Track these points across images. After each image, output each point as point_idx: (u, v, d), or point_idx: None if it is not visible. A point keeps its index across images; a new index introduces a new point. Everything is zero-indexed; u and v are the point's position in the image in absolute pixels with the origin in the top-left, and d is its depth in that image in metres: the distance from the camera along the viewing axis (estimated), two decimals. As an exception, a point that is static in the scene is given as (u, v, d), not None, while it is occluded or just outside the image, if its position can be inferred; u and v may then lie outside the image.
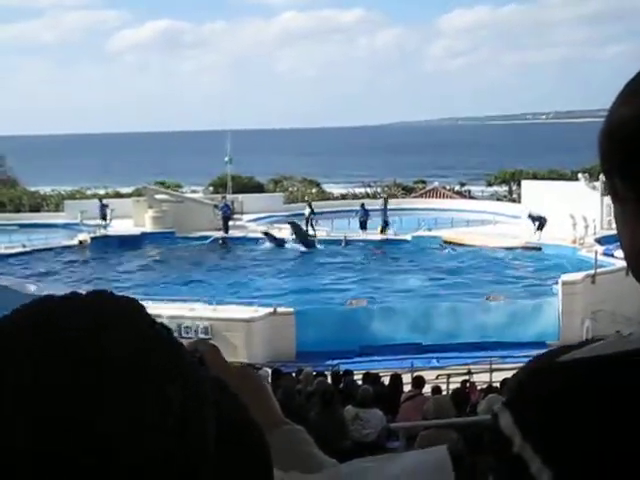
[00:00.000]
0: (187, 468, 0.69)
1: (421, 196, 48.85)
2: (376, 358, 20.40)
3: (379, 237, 35.28)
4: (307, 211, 36.30)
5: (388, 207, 36.83)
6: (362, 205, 36.60)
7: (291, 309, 22.66)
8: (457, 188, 54.87)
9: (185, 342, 1.06)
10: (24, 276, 29.49)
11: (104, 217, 37.48)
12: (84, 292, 0.76)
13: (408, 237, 34.91)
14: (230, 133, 42.53)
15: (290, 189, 50.66)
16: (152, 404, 0.67)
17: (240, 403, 0.83)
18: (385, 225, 35.93)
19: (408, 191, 51.84)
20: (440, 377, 16.91)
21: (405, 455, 0.98)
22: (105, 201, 38.98)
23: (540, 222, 32.11)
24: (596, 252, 25.94)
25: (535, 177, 45.14)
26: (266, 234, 34.99)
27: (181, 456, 0.68)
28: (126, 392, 0.66)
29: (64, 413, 0.63)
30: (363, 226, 35.64)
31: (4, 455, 0.62)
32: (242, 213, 39.89)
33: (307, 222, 35.98)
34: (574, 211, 30.92)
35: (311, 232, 35.78)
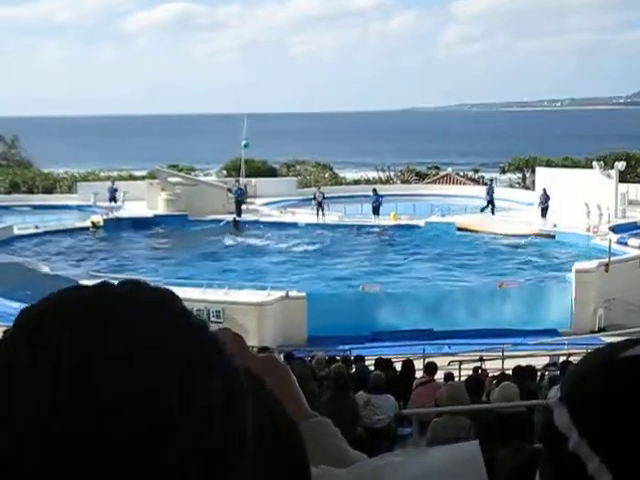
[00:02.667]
0: (229, 460, 0.66)
1: (434, 182, 48.76)
2: (388, 344, 20.38)
3: (391, 222, 35.23)
4: (318, 195, 36.20)
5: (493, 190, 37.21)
6: (374, 190, 36.51)
7: (303, 293, 22.64)
8: (470, 174, 54.76)
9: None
10: (37, 257, 29.60)
11: (114, 199, 37.46)
12: (116, 282, 0.74)
13: (421, 223, 34.85)
14: (246, 117, 42.47)
15: (303, 173, 50.63)
16: (198, 395, 0.65)
17: (276, 399, 0.80)
18: (488, 205, 36.21)
19: (422, 177, 51.81)
20: (452, 363, 16.90)
21: (436, 450, 0.95)
22: (116, 184, 38.90)
23: (544, 207, 32.21)
24: (610, 240, 25.83)
25: (549, 164, 44.96)
26: None
27: (224, 447, 0.66)
28: (169, 383, 0.64)
29: (116, 403, 0.63)
30: (376, 212, 35.53)
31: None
32: (255, 197, 39.91)
33: (318, 206, 35.94)
34: (588, 199, 30.79)
35: (320, 217, 35.87)
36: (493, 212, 36.07)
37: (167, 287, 0.76)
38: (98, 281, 0.75)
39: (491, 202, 36.36)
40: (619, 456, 0.73)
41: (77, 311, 0.68)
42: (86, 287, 0.72)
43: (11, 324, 0.71)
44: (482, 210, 36.31)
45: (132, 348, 0.65)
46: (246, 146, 43.52)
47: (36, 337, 0.66)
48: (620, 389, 0.76)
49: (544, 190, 32.52)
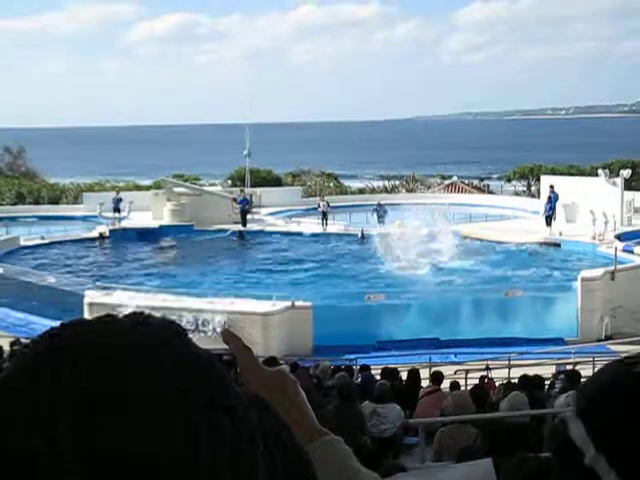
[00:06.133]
0: None
1: (440, 191, 48.75)
2: (394, 353, 20.35)
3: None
4: (322, 204, 36.19)
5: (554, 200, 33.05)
6: (378, 203, 36.58)
7: (309, 303, 22.59)
8: (476, 183, 54.74)
9: (216, 335, 1.01)
10: (43, 268, 29.60)
11: (117, 210, 37.39)
12: (120, 315, 0.72)
13: (426, 231, 34.71)
14: (248, 127, 42.55)
15: (308, 183, 50.64)
16: (203, 436, 0.63)
17: (284, 425, 0.78)
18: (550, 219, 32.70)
19: (427, 186, 51.79)
20: (458, 372, 16.86)
21: (451, 469, 0.94)
22: (120, 195, 38.84)
23: (549, 216, 31.75)
24: (616, 248, 25.76)
25: (554, 172, 44.93)
26: None
27: None
28: (173, 425, 0.62)
29: (114, 451, 0.61)
30: (381, 221, 35.61)
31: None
32: (260, 207, 39.89)
33: (323, 216, 35.93)
34: (594, 207, 30.73)
35: (323, 226, 35.89)
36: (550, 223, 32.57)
37: (174, 321, 0.73)
38: (102, 313, 0.73)
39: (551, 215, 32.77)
40: (636, 470, 0.72)
41: (78, 350, 0.66)
42: (88, 322, 0.70)
43: (17, 335, 0.69)
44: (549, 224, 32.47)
45: (129, 389, 0.63)
46: (249, 155, 43.52)
47: (35, 379, 0.64)
48: (635, 404, 0.75)
49: (549, 198, 32.40)
